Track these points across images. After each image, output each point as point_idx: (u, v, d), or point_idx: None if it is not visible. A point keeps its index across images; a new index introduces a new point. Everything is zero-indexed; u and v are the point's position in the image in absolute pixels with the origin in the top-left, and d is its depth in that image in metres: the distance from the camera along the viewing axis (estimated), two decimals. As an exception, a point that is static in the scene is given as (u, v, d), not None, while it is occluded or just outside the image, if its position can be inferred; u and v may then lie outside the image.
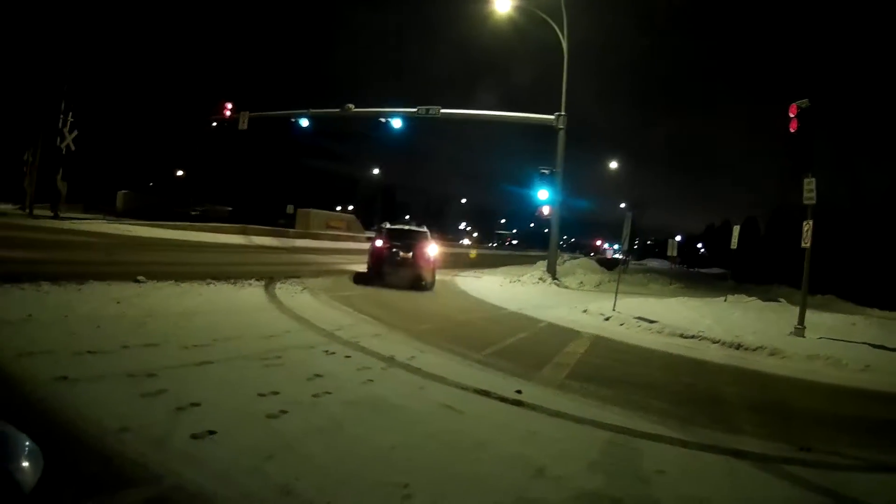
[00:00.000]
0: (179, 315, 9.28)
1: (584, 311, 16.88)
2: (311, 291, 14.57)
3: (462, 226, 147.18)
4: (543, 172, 27.61)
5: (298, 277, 16.82)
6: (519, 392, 7.04)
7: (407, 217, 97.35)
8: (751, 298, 24.29)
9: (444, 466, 4.56)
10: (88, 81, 44.46)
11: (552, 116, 27.56)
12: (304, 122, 34.66)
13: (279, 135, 55.80)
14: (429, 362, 8.28)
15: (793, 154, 16.06)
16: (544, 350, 10.82)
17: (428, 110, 30.84)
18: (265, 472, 4.02)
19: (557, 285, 26.69)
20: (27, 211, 32.79)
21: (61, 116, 34.13)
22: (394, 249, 18.99)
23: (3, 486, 1.47)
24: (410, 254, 18.99)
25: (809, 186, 15.15)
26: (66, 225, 28.56)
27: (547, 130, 28.23)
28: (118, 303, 9.45)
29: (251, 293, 13.05)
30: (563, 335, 12.97)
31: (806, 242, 15.31)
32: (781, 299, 24.61)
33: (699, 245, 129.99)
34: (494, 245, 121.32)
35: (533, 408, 6.52)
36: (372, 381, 6.87)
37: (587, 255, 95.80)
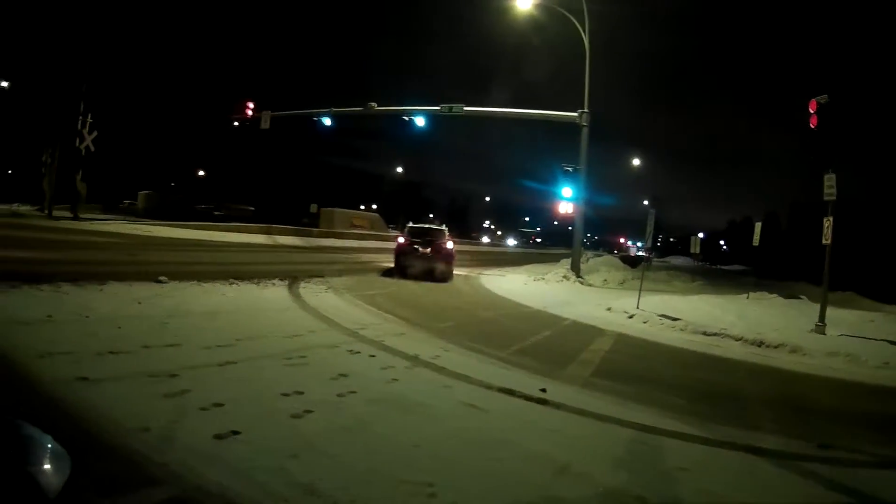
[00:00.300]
0: (202, 315, 9.29)
1: (608, 308, 16.84)
2: (335, 290, 14.58)
3: (486, 224, 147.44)
4: (567, 170, 27.47)
5: (322, 277, 16.85)
6: (543, 390, 6.98)
7: (430, 216, 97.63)
8: (772, 295, 24.17)
9: (469, 464, 4.53)
10: (108, 82, 44.88)
11: (575, 114, 27.42)
12: (327, 121, 34.70)
13: (302, 133, 55.97)
14: (453, 361, 8.24)
15: (813, 150, 15.91)
16: (568, 348, 10.77)
17: (451, 108, 30.77)
18: (289, 471, 3.99)
19: (581, 283, 26.59)
20: (46, 212, 32.95)
21: (80, 117, 34.20)
22: (414, 245, 21.37)
23: (25, 491, 1.41)
24: (429, 249, 21.25)
25: (830, 183, 15.04)
26: (86, 226, 28.60)
27: (569, 127, 28.10)
28: (139, 303, 9.47)
29: (275, 293, 13.06)
30: (586, 333, 12.90)
31: (826, 239, 15.18)
32: (802, 296, 24.46)
33: (721, 242, 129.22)
34: (516, 244, 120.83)
35: (557, 406, 6.47)
36: (396, 379, 6.85)
37: (611, 252, 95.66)
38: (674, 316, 15.13)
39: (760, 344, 12.72)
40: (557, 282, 25.78)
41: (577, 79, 27.86)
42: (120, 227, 30.29)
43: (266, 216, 51.14)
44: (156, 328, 7.86)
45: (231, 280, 13.39)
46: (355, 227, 53.09)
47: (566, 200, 27.84)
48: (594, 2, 26.98)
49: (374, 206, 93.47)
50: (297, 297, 12.82)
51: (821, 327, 14.54)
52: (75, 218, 31.98)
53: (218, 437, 4.38)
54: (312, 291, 13.86)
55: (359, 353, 8.07)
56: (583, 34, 27.01)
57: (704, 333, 13.63)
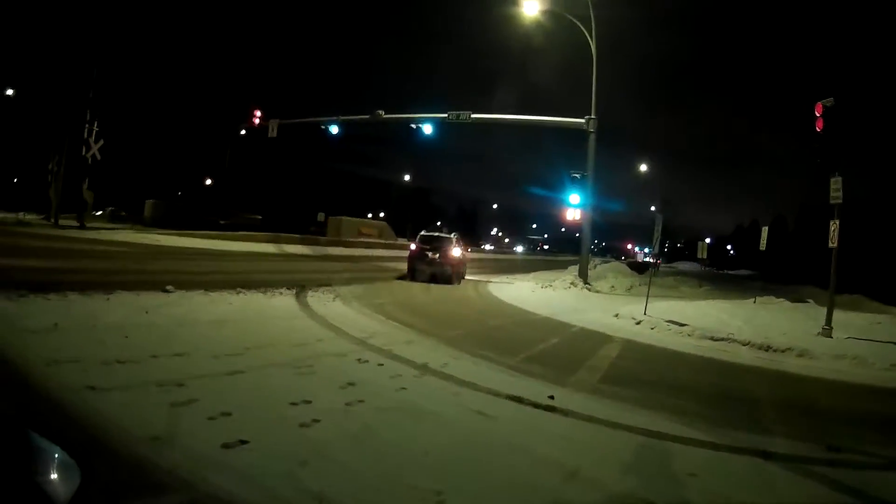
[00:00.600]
0: (209, 324, 9.27)
1: (616, 315, 16.84)
2: (343, 299, 14.55)
3: (494, 231, 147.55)
4: (574, 176, 27.43)
5: (330, 285, 16.80)
6: (552, 397, 6.97)
7: (438, 223, 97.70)
8: (779, 299, 24.33)
9: (478, 472, 4.54)
10: (115, 90, 44.85)
11: (582, 120, 27.32)
12: (335, 129, 34.62)
13: (309, 141, 56.09)
14: (461, 369, 8.23)
15: (819, 153, 15.88)
16: (576, 355, 10.76)
17: (458, 115, 30.66)
18: (298, 479, 3.97)
19: (589, 290, 26.52)
20: (52, 221, 33.00)
21: (87, 125, 34.28)
22: (425, 251, 23.88)
23: (34, 502, 1.40)
24: (437, 255, 23.78)
25: (836, 186, 15.07)
26: (92, 235, 28.67)
27: (577, 133, 28.02)
28: (147, 312, 9.43)
29: (282, 302, 13.03)
30: (594, 339, 12.90)
31: (833, 242, 15.22)
32: (809, 300, 24.68)
33: (728, 246, 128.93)
34: (522, 250, 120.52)
35: (566, 413, 6.47)
36: (405, 388, 6.82)
37: (618, 258, 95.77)
38: (681, 321, 15.12)
39: (768, 348, 12.74)
40: (565, 289, 25.78)
41: (584, 81, 27.96)
42: (127, 236, 30.36)
43: (273, 225, 51.25)
44: (163, 337, 7.84)
45: (238, 289, 13.35)
46: (363, 235, 53.14)
47: (574, 207, 27.78)
48: (600, 7, 27.00)
49: (382, 214, 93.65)
50: (304, 305, 12.80)
51: (828, 330, 14.62)
52: (82, 227, 32.03)
53: (226, 445, 4.36)
54: (320, 300, 13.82)
55: (367, 361, 8.05)
56: (590, 40, 26.95)
57: (712, 338, 13.62)
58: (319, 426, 5.09)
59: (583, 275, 27.95)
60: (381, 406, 5.92)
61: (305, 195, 77.70)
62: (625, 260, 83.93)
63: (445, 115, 31.10)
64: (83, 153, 34.31)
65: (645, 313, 16.23)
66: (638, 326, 15.20)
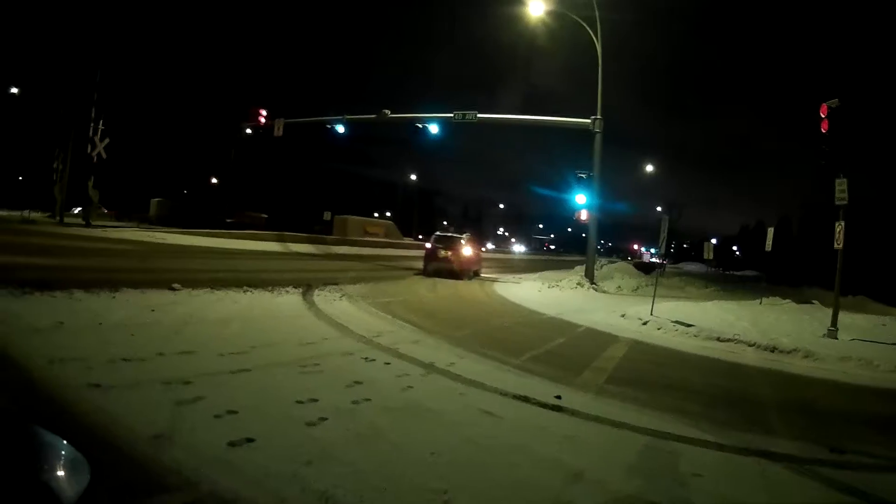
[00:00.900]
0: (216, 322, 9.27)
1: (622, 315, 16.78)
2: (350, 298, 14.53)
3: (500, 230, 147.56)
4: (580, 176, 27.34)
5: (336, 284, 16.77)
6: (558, 397, 6.98)
7: (445, 223, 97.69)
8: (785, 301, 24.36)
9: (484, 471, 4.53)
10: (120, 89, 44.89)
11: (588, 120, 27.26)
12: (340, 129, 34.42)
13: (314, 140, 55.93)
14: (468, 368, 8.22)
15: (824, 154, 15.84)
16: (583, 355, 10.72)
17: (464, 115, 30.51)
18: (303, 478, 3.96)
19: (595, 290, 26.48)
20: (57, 219, 33.03)
21: (92, 124, 34.35)
22: (438, 249, 26.31)
23: (42, 499, 1.38)
24: (449, 252, 26.08)
25: (841, 187, 15.03)
26: (98, 233, 28.75)
27: (583, 133, 27.97)
28: (153, 310, 9.44)
29: (288, 300, 13.02)
30: (601, 340, 12.86)
31: (838, 244, 15.17)
32: (815, 301, 24.71)
33: (734, 247, 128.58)
34: (525, 251, 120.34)
35: (572, 413, 6.47)
36: (411, 387, 6.82)
37: (624, 259, 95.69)
38: (687, 322, 15.07)
39: (773, 349, 12.72)
40: (571, 289, 25.74)
41: (590, 81, 27.84)
42: (132, 234, 30.42)
43: (279, 223, 51.30)
44: (169, 335, 7.83)
45: (245, 287, 13.34)
46: (369, 234, 53.18)
47: (579, 207, 27.74)
48: (605, 8, 26.95)
49: (388, 214, 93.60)
50: (311, 304, 12.78)
51: (833, 332, 14.64)
52: (87, 225, 32.08)
53: (232, 444, 4.36)
54: (327, 299, 13.80)
55: (374, 360, 8.04)
56: (595, 41, 26.90)
57: (718, 339, 13.59)
58: (326, 425, 5.09)
59: (589, 275, 27.89)
60: (387, 405, 5.92)
61: (311, 194, 77.78)
62: (631, 260, 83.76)
63: (451, 115, 30.94)
64: (89, 151, 34.37)
65: (651, 314, 16.19)
66: (644, 327, 15.16)
